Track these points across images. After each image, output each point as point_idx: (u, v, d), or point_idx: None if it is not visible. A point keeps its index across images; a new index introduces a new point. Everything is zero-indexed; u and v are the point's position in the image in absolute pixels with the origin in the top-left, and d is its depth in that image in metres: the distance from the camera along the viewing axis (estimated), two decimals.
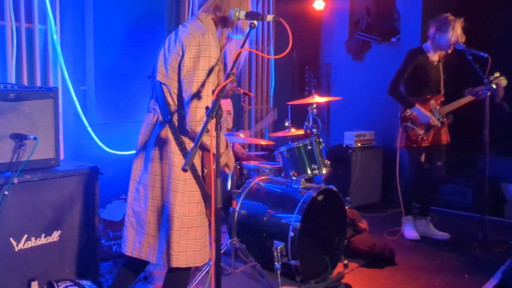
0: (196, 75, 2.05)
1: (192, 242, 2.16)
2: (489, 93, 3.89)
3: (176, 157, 2.14)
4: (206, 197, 2.18)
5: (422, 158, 4.20)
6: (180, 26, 2.26)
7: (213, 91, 1.80)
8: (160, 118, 2.20)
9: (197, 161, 2.18)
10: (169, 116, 2.15)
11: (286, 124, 4.19)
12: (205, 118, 1.91)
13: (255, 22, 2.07)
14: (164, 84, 2.17)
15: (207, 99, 2.04)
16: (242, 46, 2.00)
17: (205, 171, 2.18)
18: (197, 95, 2.04)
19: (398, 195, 4.29)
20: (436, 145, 4.20)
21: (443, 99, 4.23)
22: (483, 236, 3.98)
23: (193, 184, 2.16)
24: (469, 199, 5.08)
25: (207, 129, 1.75)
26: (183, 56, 2.09)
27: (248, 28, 2.10)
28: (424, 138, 4.11)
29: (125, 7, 4.08)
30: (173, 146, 2.15)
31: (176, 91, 2.15)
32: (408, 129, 4.10)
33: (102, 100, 4.00)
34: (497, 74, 3.99)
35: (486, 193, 3.99)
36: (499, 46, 5.42)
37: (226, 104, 4.57)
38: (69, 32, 3.90)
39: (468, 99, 4.16)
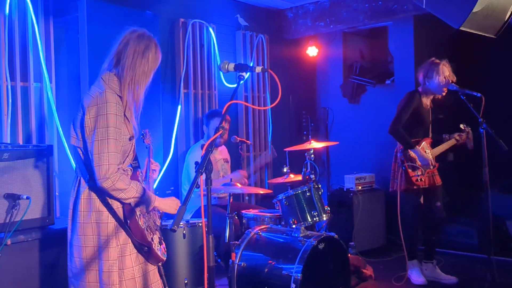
0: (97, 134, 2.13)
1: None
2: (484, 132, 3.89)
3: (103, 214, 2.19)
4: (140, 246, 2.23)
5: (421, 200, 4.15)
6: (85, 90, 2.33)
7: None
8: (82, 179, 2.25)
9: (120, 213, 2.22)
10: (88, 176, 2.20)
11: (285, 170, 4.16)
12: (112, 174, 2.05)
13: (244, 74, 2.09)
14: (77, 146, 2.26)
15: (110, 156, 2.11)
16: (231, 99, 2.00)
17: (130, 221, 2.21)
18: (100, 153, 2.11)
19: (401, 239, 4.20)
20: (433, 187, 4.18)
21: (431, 141, 4.25)
22: (491, 278, 3.86)
23: (123, 237, 2.21)
24: (475, 239, 4.97)
25: (198, 184, 1.72)
26: (85, 117, 2.18)
27: (238, 80, 2.12)
28: (423, 179, 4.07)
29: None
30: (97, 204, 2.20)
31: (86, 152, 2.22)
32: (410, 169, 4.06)
33: None
34: (462, 126, 4.26)
35: (491, 232, 3.90)
36: (492, 83, 5.47)
37: (224, 152, 4.56)
38: (64, 89, 3.94)
39: (452, 142, 4.25)
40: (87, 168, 2.20)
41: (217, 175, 4.37)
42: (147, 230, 2.25)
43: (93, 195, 2.21)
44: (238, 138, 4.29)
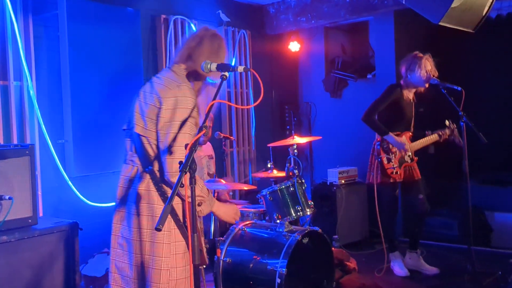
0: (173, 127, 2.07)
1: None
2: (465, 125, 3.96)
3: (160, 208, 2.11)
4: None
5: (396, 193, 4.22)
6: (154, 78, 2.29)
7: (186, 145, 1.80)
8: (140, 169, 2.18)
9: (179, 211, 2.15)
10: (150, 167, 2.14)
11: (269, 165, 4.19)
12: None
13: (227, 73, 2.10)
14: (143, 136, 2.17)
15: (184, 150, 2.02)
16: (214, 98, 2.01)
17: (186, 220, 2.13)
18: (174, 146, 2.05)
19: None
20: (411, 181, 4.23)
21: (412, 136, 4.30)
22: (472, 268, 3.95)
23: (178, 235, 2.13)
24: (455, 230, 5.07)
25: (182, 183, 1.73)
26: (160, 107, 2.11)
27: (220, 80, 2.13)
28: (398, 172, 4.12)
29: (102, 59, 4.11)
30: (155, 197, 2.13)
31: (155, 142, 2.15)
32: (385, 161, 4.11)
33: (80, 152, 3.97)
34: (447, 123, 4.28)
35: (471, 223, 3.99)
36: (471, 77, 5.57)
37: (208, 149, 4.56)
38: (45, 87, 3.90)
39: (433, 138, 4.28)
40: (151, 159, 2.14)
41: (202, 172, 4.37)
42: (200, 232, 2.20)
43: (152, 187, 2.13)
44: (221, 134, 4.31)
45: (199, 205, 2.15)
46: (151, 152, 2.16)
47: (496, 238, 5.09)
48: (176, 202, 2.16)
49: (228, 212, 2.32)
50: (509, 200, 5.17)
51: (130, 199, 2.18)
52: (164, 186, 2.14)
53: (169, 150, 2.05)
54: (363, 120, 4.15)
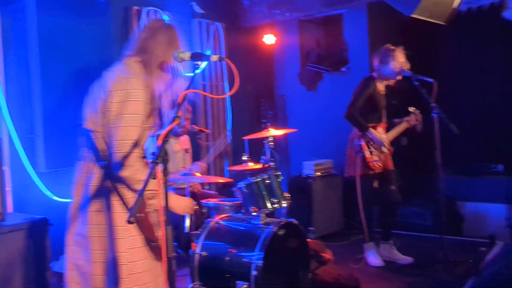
0: (122, 120, 2.05)
1: None
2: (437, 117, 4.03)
3: (116, 203, 2.10)
4: (148, 240, 2.13)
5: (375, 184, 4.27)
6: (105, 72, 2.24)
7: (158, 136, 1.78)
8: (94, 165, 2.15)
9: (131, 204, 2.12)
10: (103, 162, 2.11)
11: (244, 158, 4.17)
12: (133, 163, 1.97)
13: (200, 63, 2.07)
14: (94, 131, 2.15)
15: (134, 143, 2.04)
16: (188, 88, 1.98)
17: (142, 214, 2.12)
18: (123, 139, 2.03)
19: (359, 221, 4.31)
20: (386, 171, 4.30)
21: (386, 126, 4.35)
22: (444, 257, 4.04)
23: (134, 229, 2.12)
24: (429, 220, 5.16)
25: (153, 175, 1.70)
26: (109, 101, 2.09)
27: (193, 70, 2.11)
28: (379, 164, 4.19)
29: (73, 52, 4.01)
30: (109, 192, 2.11)
31: (106, 136, 2.12)
32: (367, 155, 4.15)
33: (52, 147, 3.88)
34: (411, 109, 4.37)
35: (443, 213, 4.07)
36: (443, 69, 5.66)
37: (184, 142, 4.52)
38: (14, 80, 3.79)
39: (404, 126, 4.35)
40: (102, 154, 2.12)
41: (177, 166, 4.33)
42: (155, 225, 2.16)
43: (107, 182, 2.11)
44: (196, 127, 4.27)
45: (151, 199, 2.14)
46: (103, 147, 2.13)
47: (467, 228, 5.22)
48: (130, 197, 2.12)
49: (183, 205, 2.32)
50: (479, 190, 5.29)
51: (85, 196, 2.15)
52: (118, 182, 2.11)
53: (118, 143, 2.03)
54: (346, 117, 4.19)
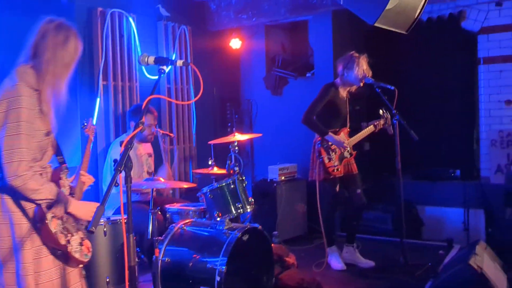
0: (7, 129, 2.03)
1: None
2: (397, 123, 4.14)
3: (16, 215, 2.09)
4: (53, 249, 2.14)
5: (337, 189, 4.34)
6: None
7: (121, 143, 1.76)
8: None
9: (22, 219, 2.11)
10: (0, 174, 2.09)
11: (210, 162, 4.17)
12: (23, 172, 1.96)
13: (165, 67, 2.06)
14: None
15: (21, 152, 2.02)
16: (152, 93, 1.97)
17: (40, 224, 2.10)
18: (11, 149, 2.01)
19: (321, 226, 4.36)
20: (350, 175, 4.36)
21: (349, 131, 4.43)
22: (404, 260, 4.14)
23: (37, 239, 2.11)
24: (389, 224, 5.28)
25: (117, 183, 1.68)
26: None
27: (158, 74, 2.10)
28: (339, 168, 4.25)
29: None
30: (9, 203, 2.10)
31: None
32: (327, 160, 4.21)
33: None
34: (381, 111, 4.38)
35: (403, 217, 4.17)
36: (403, 76, 5.82)
37: (147, 147, 4.47)
38: None
39: (370, 129, 4.41)
40: None
41: (142, 169, 4.28)
42: (62, 233, 2.14)
43: (5, 195, 2.09)
44: (160, 131, 4.23)
45: (49, 207, 2.12)
46: None
47: (427, 231, 5.37)
48: (29, 207, 2.11)
49: (86, 210, 2.27)
50: (438, 194, 5.46)
51: None
52: (16, 193, 2.08)
53: (5, 154, 2.01)
54: (303, 123, 4.23)
